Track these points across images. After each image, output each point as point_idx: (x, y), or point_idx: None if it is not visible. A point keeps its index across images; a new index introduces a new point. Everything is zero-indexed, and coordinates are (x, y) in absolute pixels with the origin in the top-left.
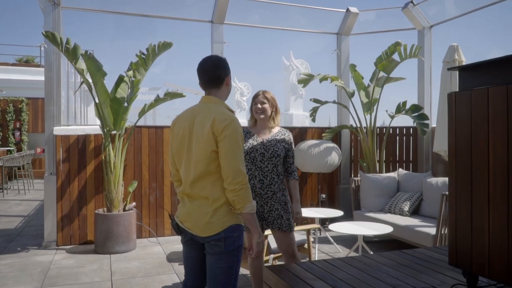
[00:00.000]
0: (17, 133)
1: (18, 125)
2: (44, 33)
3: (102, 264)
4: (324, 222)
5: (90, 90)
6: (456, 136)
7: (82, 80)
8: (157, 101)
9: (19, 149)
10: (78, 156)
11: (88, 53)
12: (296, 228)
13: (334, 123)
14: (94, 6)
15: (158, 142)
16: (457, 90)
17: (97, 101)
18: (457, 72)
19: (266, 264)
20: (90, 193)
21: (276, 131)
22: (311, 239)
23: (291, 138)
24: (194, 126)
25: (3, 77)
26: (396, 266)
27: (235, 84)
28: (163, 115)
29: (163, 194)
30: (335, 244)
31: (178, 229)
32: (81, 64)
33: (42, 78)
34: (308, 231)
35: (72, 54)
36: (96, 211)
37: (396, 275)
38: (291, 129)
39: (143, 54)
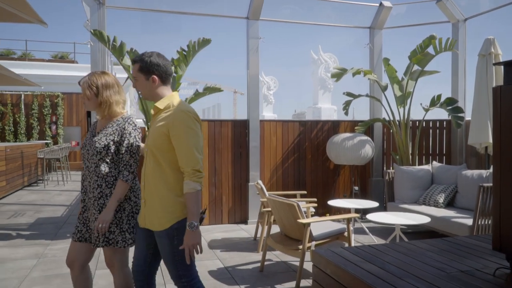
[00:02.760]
0: (53, 127)
1: (54, 119)
2: (92, 31)
3: None
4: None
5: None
6: (501, 128)
7: (127, 76)
8: (197, 95)
9: (55, 142)
10: None
11: (133, 50)
12: (335, 217)
13: (358, 117)
14: (134, 4)
15: None
16: (495, 83)
17: (141, 96)
18: (494, 66)
19: (308, 251)
20: None
21: (111, 122)
22: (351, 228)
23: (130, 128)
24: None
25: (40, 73)
26: (439, 251)
27: (261, 78)
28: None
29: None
30: (371, 234)
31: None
32: (126, 60)
33: (77, 73)
34: (348, 220)
35: (118, 51)
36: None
37: (440, 259)
38: (324, 123)
39: (184, 50)
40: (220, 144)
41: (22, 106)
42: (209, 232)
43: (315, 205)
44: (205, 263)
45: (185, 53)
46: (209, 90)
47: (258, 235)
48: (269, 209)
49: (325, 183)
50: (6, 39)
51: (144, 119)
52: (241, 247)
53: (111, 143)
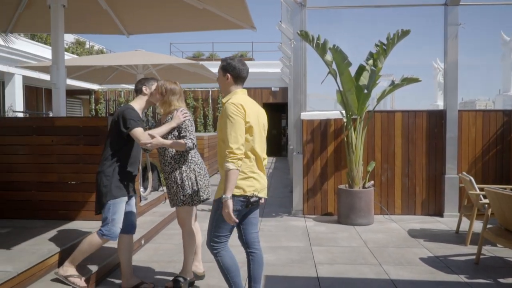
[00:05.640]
0: None
1: None
2: (298, 32)
3: (350, 233)
4: None
5: (335, 78)
6: None
7: (328, 70)
8: (395, 86)
9: None
10: (320, 138)
11: (336, 47)
12: None
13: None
14: (330, 3)
15: (390, 126)
16: None
17: (341, 89)
18: None
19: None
20: (330, 170)
21: (169, 115)
22: None
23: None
24: (260, 115)
25: None
26: None
27: (436, 65)
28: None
29: (394, 175)
30: None
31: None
32: (328, 57)
33: (254, 70)
34: None
35: (321, 48)
36: (339, 187)
37: None
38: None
39: (383, 44)
40: (414, 135)
41: (210, 101)
42: (404, 221)
43: None
44: (413, 250)
45: (384, 46)
46: (407, 81)
47: (461, 228)
48: (487, 201)
49: None
50: (196, 43)
51: (343, 111)
52: (444, 238)
53: (173, 130)
